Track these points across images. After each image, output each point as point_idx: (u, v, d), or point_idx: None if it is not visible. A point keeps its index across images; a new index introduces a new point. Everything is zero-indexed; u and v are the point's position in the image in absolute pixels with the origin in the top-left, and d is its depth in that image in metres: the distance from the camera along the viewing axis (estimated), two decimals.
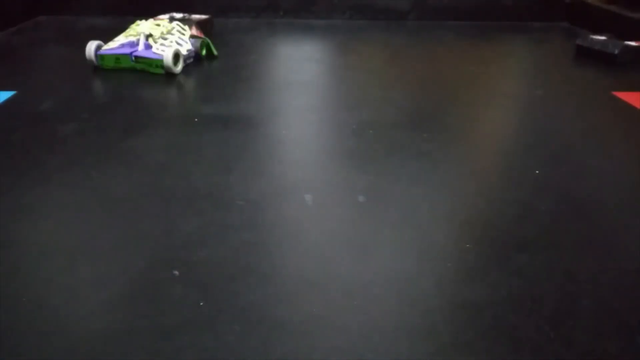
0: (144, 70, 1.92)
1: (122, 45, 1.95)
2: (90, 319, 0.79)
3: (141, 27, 1.97)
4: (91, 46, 1.93)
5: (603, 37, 2.20)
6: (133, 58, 1.91)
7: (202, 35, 2.21)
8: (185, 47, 1.99)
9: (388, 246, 0.98)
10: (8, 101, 1.64)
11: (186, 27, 2.08)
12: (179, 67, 1.91)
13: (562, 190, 1.18)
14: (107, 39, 1.99)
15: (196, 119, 1.53)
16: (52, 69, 2.02)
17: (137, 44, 1.93)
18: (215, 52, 2.13)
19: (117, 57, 1.92)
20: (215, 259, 0.92)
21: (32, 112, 1.56)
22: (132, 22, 2.08)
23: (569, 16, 2.92)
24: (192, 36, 2.08)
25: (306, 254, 0.95)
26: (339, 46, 2.44)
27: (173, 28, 2.02)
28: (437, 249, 0.97)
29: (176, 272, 0.89)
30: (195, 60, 2.05)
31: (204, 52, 2.10)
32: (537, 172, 1.25)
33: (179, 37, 2.00)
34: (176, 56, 1.89)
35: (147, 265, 0.91)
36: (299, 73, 2.00)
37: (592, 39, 2.22)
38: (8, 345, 0.74)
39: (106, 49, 1.94)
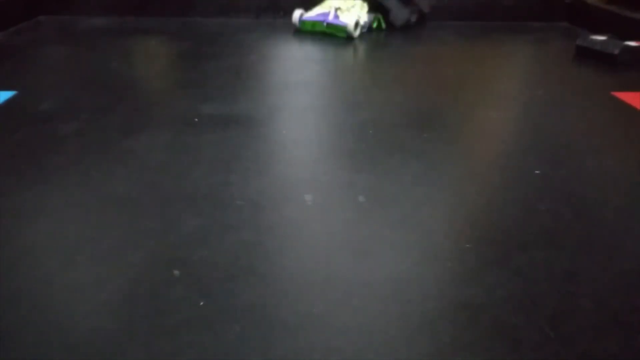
0: (332, 34, 2.51)
1: (318, 15, 2.55)
2: (90, 319, 0.79)
3: (332, 2, 2.61)
4: (296, 14, 2.59)
5: (603, 37, 2.20)
6: (325, 24, 2.51)
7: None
8: (362, 19, 2.56)
9: (388, 246, 0.98)
10: (8, 101, 1.64)
11: (365, 4, 2.64)
12: (357, 32, 2.51)
13: (562, 190, 1.18)
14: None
15: (196, 119, 1.53)
16: (52, 69, 2.02)
17: (329, 14, 2.52)
18: (383, 26, 2.68)
19: (313, 23, 2.55)
20: (215, 259, 0.92)
21: (32, 112, 1.56)
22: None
23: (569, 16, 2.92)
24: (368, 11, 2.63)
25: (306, 254, 0.95)
26: (339, 46, 2.44)
27: (356, 4, 2.58)
28: (437, 249, 0.97)
29: (176, 272, 0.89)
30: (367, 30, 2.62)
31: (375, 24, 2.66)
32: (537, 172, 1.25)
33: (359, 11, 2.57)
34: (356, 24, 2.49)
35: (147, 265, 0.91)
36: (299, 73, 2.01)
37: (592, 39, 2.22)
38: (8, 345, 0.74)
39: (306, 17, 2.57)
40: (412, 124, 1.53)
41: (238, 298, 0.83)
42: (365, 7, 2.64)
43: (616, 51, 2.10)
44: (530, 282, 0.89)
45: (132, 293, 0.85)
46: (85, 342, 0.75)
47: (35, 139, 1.39)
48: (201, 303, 0.82)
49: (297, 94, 1.78)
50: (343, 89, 1.88)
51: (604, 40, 2.18)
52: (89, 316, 0.80)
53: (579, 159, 1.34)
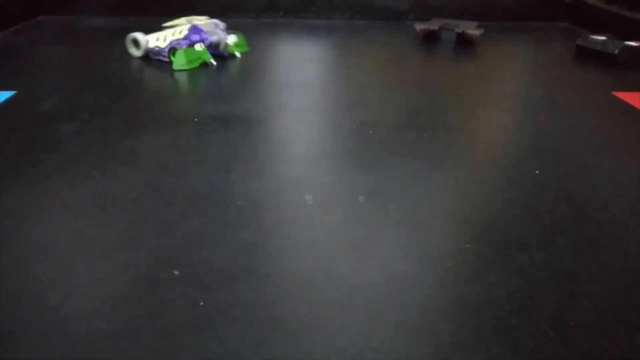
0: None
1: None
2: (90, 319, 0.79)
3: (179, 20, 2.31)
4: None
5: (603, 37, 2.20)
6: None
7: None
8: (160, 44, 2.10)
9: (388, 246, 0.98)
10: (8, 101, 1.64)
11: (182, 30, 2.06)
12: (134, 52, 2.13)
13: (562, 190, 1.18)
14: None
15: (196, 119, 1.53)
16: (52, 69, 2.02)
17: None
18: (178, 66, 1.97)
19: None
20: (215, 259, 0.92)
21: (32, 112, 1.56)
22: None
23: (569, 16, 2.92)
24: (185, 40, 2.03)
25: (306, 254, 0.95)
26: (339, 46, 2.44)
27: (179, 28, 2.11)
28: (437, 249, 0.97)
29: (176, 272, 0.89)
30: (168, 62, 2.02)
31: (173, 58, 2.00)
32: (537, 172, 1.25)
33: (170, 34, 2.10)
34: (133, 41, 2.12)
35: (147, 265, 0.91)
36: (299, 73, 2.00)
37: (592, 39, 2.22)
38: (8, 345, 0.74)
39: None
40: (412, 124, 1.53)
41: (238, 298, 0.83)
42: (182, 33, 2.06)
43: (616, 51, 2.10)
44: (530, 282, 0.89)
45: (132, 293, 0.85)
46: (85, 342, 0.75)
47: (35, 139, 1.39)
48: (201, 303, 0.82)
49: (297, 94, 1.78)
50: (343, 89, 1.88)
51: (604, 40, 2.18)
52: (89, 316, 0.80)
53: (579, 159, 1.34)
